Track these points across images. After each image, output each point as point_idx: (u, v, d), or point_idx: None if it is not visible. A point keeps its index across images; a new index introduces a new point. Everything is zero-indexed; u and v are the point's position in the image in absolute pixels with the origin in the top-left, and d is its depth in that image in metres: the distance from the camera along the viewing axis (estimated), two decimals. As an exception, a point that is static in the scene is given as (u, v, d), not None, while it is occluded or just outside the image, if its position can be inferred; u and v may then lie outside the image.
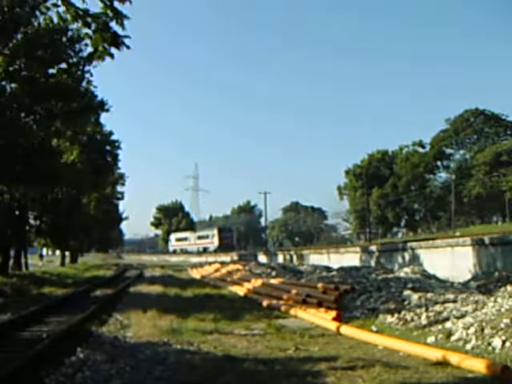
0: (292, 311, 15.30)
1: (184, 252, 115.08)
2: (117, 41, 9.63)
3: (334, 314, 13.42)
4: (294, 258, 53.47)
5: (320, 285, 17.05)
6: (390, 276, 20.37)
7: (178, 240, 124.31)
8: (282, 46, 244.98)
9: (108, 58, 11.68)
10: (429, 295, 14.25)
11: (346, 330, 11.67)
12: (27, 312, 14.97)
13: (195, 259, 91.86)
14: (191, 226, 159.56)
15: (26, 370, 7.92)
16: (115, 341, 11.02)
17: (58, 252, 67.19)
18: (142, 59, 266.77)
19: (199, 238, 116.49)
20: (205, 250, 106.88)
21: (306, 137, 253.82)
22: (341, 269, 27.02)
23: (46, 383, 7.31)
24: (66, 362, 8.71)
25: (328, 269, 29.44)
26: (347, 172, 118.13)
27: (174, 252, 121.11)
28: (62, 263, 59.97)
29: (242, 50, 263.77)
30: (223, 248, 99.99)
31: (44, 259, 71.99)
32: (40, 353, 9.06)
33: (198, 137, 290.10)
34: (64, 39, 22.82)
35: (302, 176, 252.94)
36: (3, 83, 21.79)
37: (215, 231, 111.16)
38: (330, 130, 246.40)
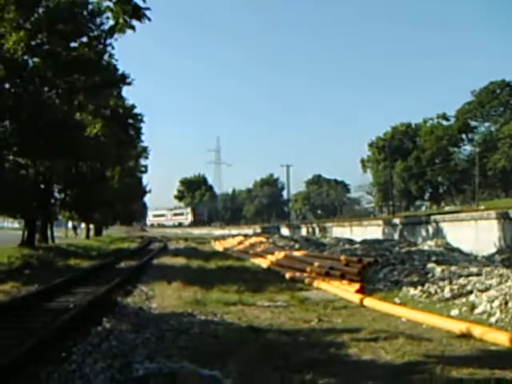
0: (315, 283, 15.34)
1: (161, 226, 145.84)
2: (138, 13, 9.60)
3: (357, 286, 13.43)
4: (317, 230, 53.40)
5: (343, 257, 17.05)
6: (414, 249, 20.30)
7: (156, 216, 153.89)
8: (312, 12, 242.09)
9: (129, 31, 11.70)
10: (452, 268, 14.17)
11: (369, 302, 11.68)
12: (54, 283, 15.20)
13: (218, 232, 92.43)
14: (214, 199, 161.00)
15: (53, 339, 8.05)
16: (140, 311, 11.16)
17: (83, 225, 67.94)
18: (165, 22, 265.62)
19: (175, 214, 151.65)
20: (180, 225, 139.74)
21: (329, 109, 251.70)
22: (364, 242, 27.00)
23: (74, 352, 7.43)
24: (93, 331, 8.84)
25: (351, 242, 29.40)
26: (370, 145, 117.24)
27: (152, 226, 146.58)
28: (87, 236, 60.74)
29: (270, 11, 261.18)
30: (196, 223, 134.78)
31: (70, 232, 72.86)
32: (67, 323, 9.21)
33: (221, 109, 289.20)
34: (85, 13, 22.79)
35: (325, 149, 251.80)
36: (25, 57, 21.86)
37: (189, 210, 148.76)
38: (353, 102, 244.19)
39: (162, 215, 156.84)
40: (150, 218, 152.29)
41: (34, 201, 29.96)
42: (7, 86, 21.09)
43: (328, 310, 11.34)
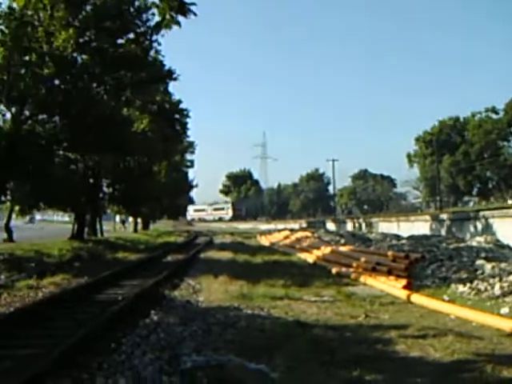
0: (361, 279, 15.23)
1: (201, 220, 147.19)
2: (183, 9, 9.67)
3: (404, 282, 13.25)
4: (363, 225, 53.04)
5: (390, 253, 16.84)
6: (462, 245, 19.96)
7: (196, 211, 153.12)
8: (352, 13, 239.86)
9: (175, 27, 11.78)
10: (503, 265, 13.88)
11: (416, 298, 11.53)
12: (103, 276, 15.49)
13: (264, 226, 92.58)
14: (260, 193, 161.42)
15: (102, 330, 8.20)
16: (187, 305, 11.28)
17: (130, 219, 68.92)
18: (205, 27, 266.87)
19: (215, 209, 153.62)
20: (220, 219, 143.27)
21: (376, 103, 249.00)
22: (411, 237, 26.67)
23: (123, 343, 7.55)
24: (141, 323, 8.98)
25: (397, 237, 29.09)
26: (417, 139, 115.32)
27: (192, 220, 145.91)
28: (135, 229, 61.59)
29: (312, 15, 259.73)
30: (236, 218, 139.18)
31: (118, 225, 74.07)
32: (116, 315, 9.37)
33: (266, 104, 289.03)
34: (131, 9, 23.02)
35: (371, 143, 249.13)
36: (74, 55, 22.22)
37: (230, 205, 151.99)
38: (400, 96, 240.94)
39: (203, 210, 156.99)
40: (191, 213, 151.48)
41: (84, 195, 30.56)
42: (57, 82, 21.48)
43: (375, 305, 11.25)
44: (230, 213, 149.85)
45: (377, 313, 10.34)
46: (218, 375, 6.11)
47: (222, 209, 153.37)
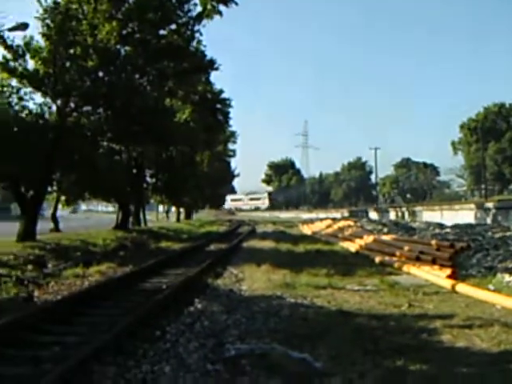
0: (405, 268, 15.11)
1: (238, 210, 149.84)
2: (225, -3, 9.71)
3: (448, 271, 13.06)
4: (406, 214, 52.54)
5: (434, 242, 16.64)
6: (508, 234, 19.59)
7: (233, 200, 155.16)
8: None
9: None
10: (550, 254, 13.59)
11: (461, 288, 11.36)
12: (147, 265, 15.71)
13: (306, 216, 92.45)
14: (302, 182, 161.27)
15: (148, 318, 8.33)
16: (231, 293, 11.37)
17: (173, 208, 69.61)
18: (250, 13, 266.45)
19: (251, 199, 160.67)
20: (256, 209, 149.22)
21: (419, 90, 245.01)
22: (455, 226, 26.33)
23: (167, 331, 7.66)
24: (185, 312, 9.11)
25: (441, 226, 28.74)
26: (462, 126, 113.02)
27: (230, 209, 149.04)
28: (178, 219, 62.21)
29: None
30: (272, 207, 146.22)
31: (161, 215, 74.96)
32: (160, 302, 9.50)
33: (308, 92, 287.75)
34: (173, 0, 23.12)
35: (414, 131, 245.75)
36: (118, 46, 22.42)
37: (266, 194, 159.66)
38: (444, 82, 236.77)
39: (240, 200, 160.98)
40: (228, 203, 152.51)
41: (128, 185, 30.98)
42: (101, 74, 21.73)
43: (419, 295, 11.14)
44: (267, 202, 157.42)
45: (421, 302, 10.24)
46: (262, 363, 6.16)
47: (259, 199, 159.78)
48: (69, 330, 7.82)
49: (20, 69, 20.05)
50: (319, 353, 6.55)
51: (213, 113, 43.54)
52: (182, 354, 6.51)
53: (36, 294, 11.39)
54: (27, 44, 20.07)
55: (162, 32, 23.82)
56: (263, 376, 5.78)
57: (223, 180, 75.59)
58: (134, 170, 33.84)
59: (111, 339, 6.76)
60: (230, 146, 71.73)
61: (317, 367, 6.03)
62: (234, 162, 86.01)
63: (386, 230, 29.38)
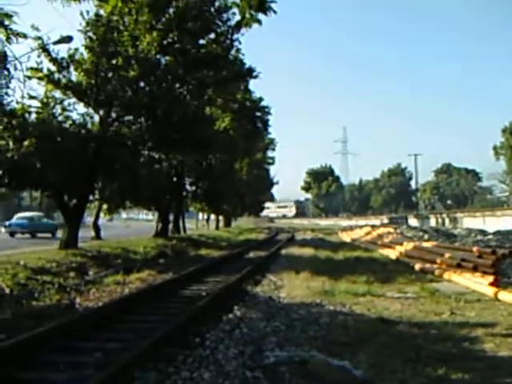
0: (446, 275, 14.92)
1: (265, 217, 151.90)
2: (264, 6, 9.80)
3: (491, 279, 12.81)
4: (447, 221, 51.84)
5: (475, 248, 16.38)
6: (553, 240, 19.16)
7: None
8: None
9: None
10: None
11: (504, 295, 11.16)
12: (187, 272, 15.84)
13: (345, 223, 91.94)
14: (341, 189, 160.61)
15: (188, 325, 8.41)
16: (270, 300, 11.39)
17: (212, 216, 70.00)
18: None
19: (279, 207, 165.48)
20: (284, 216, 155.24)
21: (459, 94, 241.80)
22: (497, 232, 25.86)
23: (207, 338, 7.71)
24: (224, 319, 9.16)
25: (483, 232, 28.26)
26: (504, 130, 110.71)
27: (269, 217, 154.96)
28: (217, 227, 62.51)
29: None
30: (298, 215, 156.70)
31: (200, 223, 75.45)
32: (200, 310, 9.57)
33: (348, 99, 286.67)
34: (212, 9, 23.32)
35: (455, 136, 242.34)
36: (158, 57, 22.72)
37: (293, 203, 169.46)
38: (483, 87, 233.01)
39: (268, 208, 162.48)
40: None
41: (168, 193, 31.30)
42: (142, 84, 22.05)
43: (460, 302, 11.00)
44: (294, 210, 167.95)
45: (462, 310, 10.11)
46: (301, 371, 6.16)
47: (286, 206, 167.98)
48: (110, 337, 7.93)
49: (64, 80, 20.51)
50: (359, 360, 6.53)
51: (252, 121, 43.69)
52: (221, 361, 6.55)
53: (78, 300, 11.60)
54: (71, 56, 20.54)
55: (201, 41, 24.08)
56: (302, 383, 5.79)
57: (262, 187, 75.70)
58: (174, 179, 34.18)
59: (151, 346, 6.84)
60: (269, 153, 71.90)
61: (356, 375, 6.01)
62: (273, 170, 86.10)
63: (426, 236, 29.02)
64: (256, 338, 7.77)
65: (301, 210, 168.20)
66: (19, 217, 43.44)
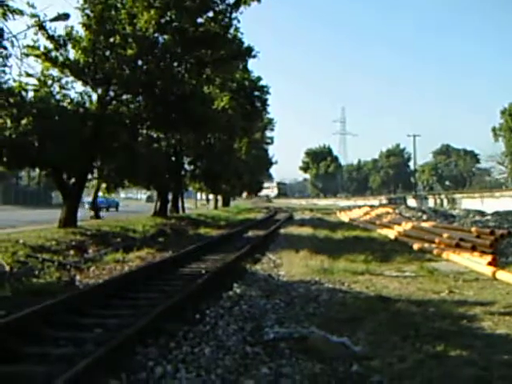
0: (444, 255, 15.00)
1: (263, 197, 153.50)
2: (263, -17, 9.67)
3: (489, 258, 12.87)
4: (445, 202, 51.92)
5: (474, 229, 16.42)
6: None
7: None
8: None
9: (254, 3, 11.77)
10: None
11: (502, 275, 11.23)
12: (186, 250, 15.86)
13: (343, 203, 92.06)
14: (339, 170, 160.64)
15: (188, 302, 8.45)
16: (269, 278, 11.46)
17: (210, 196, 69.99)
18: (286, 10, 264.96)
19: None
20: (267, 197, 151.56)
21: (458, 75, 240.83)
22: (496, 213, 25.88)
23: (207, 314, 7.76)
24: (224, 296, 9.20)
25: (482, 213, 28.27)
26: (503, 112, 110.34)
27: (267, 197, 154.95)
28: (216, 206, 62.55)
29: None
30: (279, 195, 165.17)
31: (199, 203, 75.48)
32: (200, 287, 9.61)
33: (345, 78, 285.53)
34: (211, -13, 23.12)
35: (454, 117, 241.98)
36: (156, 35, 22.55)
37: (275, 184, 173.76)
38: (484, 67, 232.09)
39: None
40: None
41: (166, 172, 31.25)
42: (140, 63, 21.91)
43: (459, 281, 11.06)
44: (276, 191, 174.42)
45: (461, 289, 10.16)
46: (301, 347, 6.21)
47: (268, 187, 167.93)
48: (111, 313, 7.97)
49: (61, 58, 20.35)
50: (358, 337, 6.58)
51: (250, 100, 43.57)
52: (221, 337, 6.60)
53: (78, 278, 11.64)
54: (68, 34, 20.37)
55: (199, 20, 23.86)
56: (302, 359, 5.83)
57: (261, 167, 75.65)
58: (173, 158, 34.08)
59: (152, 322, 6.88)
60: (268, 133, 71.83)
61: (356, 351, 6.05)
62: (271, 150, 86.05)
63: (424, 217, 29.04)
64: (256, 315, 7.82)
65: (283, 191, 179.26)
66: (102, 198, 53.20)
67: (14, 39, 13.97)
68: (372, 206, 48.60)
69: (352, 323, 7.27)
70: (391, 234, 22.65)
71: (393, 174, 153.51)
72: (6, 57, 17.72)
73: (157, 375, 5.25)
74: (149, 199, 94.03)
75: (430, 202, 56.43)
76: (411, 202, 63.11)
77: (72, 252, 15.15)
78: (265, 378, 5.24)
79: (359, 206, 54.37)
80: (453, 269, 12.89)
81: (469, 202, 44.33)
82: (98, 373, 5.14)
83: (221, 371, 5.40)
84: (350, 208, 56.62)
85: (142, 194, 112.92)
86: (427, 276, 11.83)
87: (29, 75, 19.81)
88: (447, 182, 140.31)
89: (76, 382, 4.75)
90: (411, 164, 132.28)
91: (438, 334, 6.68)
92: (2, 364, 5.62)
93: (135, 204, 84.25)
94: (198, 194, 77.02)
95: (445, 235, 17.06)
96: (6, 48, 15.01)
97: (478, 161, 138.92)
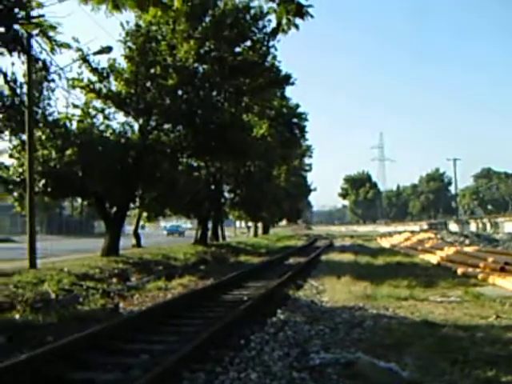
0: (489, 279, 14.67)
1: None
2: (301, 11, 9.78)
3: (536, 282, 12.62)
4: (488, 226, 50.97)
5: (520, 252, 16.11)
6: None
7: None
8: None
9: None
10: None
11: (550, 298, 10.95)
12: (227, 277, 15.88)
13: (383, 229, 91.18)
14: (378, 195, 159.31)
15: (232, 328, 8.45)
16: (312, 304, 11.38)
17: (250, 224, 70.03)
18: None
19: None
20: (306, 224, 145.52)
21: (498, 95, 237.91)
22: (541, 236, 25.36)
23: (252, 340, 7.74)
24: (268, 322, 9.18)
25: (526, 237, 27.73)
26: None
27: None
28: (255, 234, 62.54)
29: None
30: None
31: (238, 231, 75.72)
32: (244, 313, 9.61)
33: (383, 105, 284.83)
34: (248, 17, 23.48)
35: (495, 140, 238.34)
36: (195, 65, 22.96)
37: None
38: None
39: None
40: None
41: (206, 201, 31.47)
42: (180, 92, 22.31)
43: (506, 306, 10.80)
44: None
45: (508, 313, 9.91)
46: (348, 372, 6.14)
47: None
48: (155, 339, 8.02)
49: (104, 90, 20.90)
50: (405, 362, 6.46)
51: (289, 127, 43.76)
52: (268, 362, 6.56)
53: (121, 305, 11.75)
54: (111, 66, 20.92)
55: (237, 49, 24.24)
56: (350, 384, 5.77)
57: (300, 194, 75.53)
58: (213, 186, 34.32)
59: (198, 347, 6.89)
60: (306, 160, 71.77)
61: (404, 376, 5.95)
62: (310, 177, 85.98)
63: (467, 241, 28.62)
64: (300, 341, 7.76)
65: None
66: (171, 225, 76.88)
67: (61, 72, 14.38)
68: (413, 232, 48.06)
69: (398, 348, 7.15)
70: (434, 259, 22.33)
71: (433, 198, 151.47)
72: (52, 90, 18.31)
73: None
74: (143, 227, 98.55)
75: (472, 227, 55.46)
76: (453, 226, 62.11)
77: (115, 280, 15.32)
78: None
79: (399, 232, 53.84)
80: (499, 293, 12.59)
81: (512, 226, 43.49)
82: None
83: (268, 396, 5.37)
84: (390, 234, 56.11)
85: (183, 223, 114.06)
86: (473, 301, 11.58)
87: (75, 106, 20.40)
88: (489, 206, 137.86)
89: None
90: (451, 188, 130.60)
91: (487, 359, 6.51)
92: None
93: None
94: (238, 222, 77.25)
95: (489, 259, 16.77)
96: (53, 81, 15.49)
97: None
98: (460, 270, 17.32)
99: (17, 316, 9.50)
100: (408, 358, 6.65)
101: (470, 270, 16.93)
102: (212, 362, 6.55)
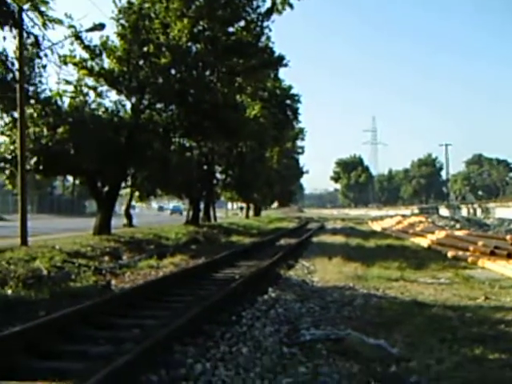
0: (479, 262, 14.83)
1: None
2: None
3: (525, 266, 12.75)
4: (478, 211, 51.24)
5: (509, 237, 16.26)
6: None
7: None
8: None
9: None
10: None
11: (540, 281, 11.08)
12: (219, 256, 15.97)
13: (375, 213, 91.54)
14: (370, 179, 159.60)
15: (224, 304, 8.52)
16: (303, 284, 11.46)
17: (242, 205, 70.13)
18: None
19: None
20: (298, 207, 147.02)
21: (490, 82, 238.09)
22: (531, 221, 25.57)
23: (243, 316, 7.81)
24: (259, 299, 9.24)
25: (516, 222, 27.94)
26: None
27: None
28: (247, 216, 62.62)
29: None
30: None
31: (230, 212, 75.85)
32: (235, 290, 9.67)
33: (377, 89, 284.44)
34: (242, -3, 23.34)
35: (487, 126, 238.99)
36: (189, 44, 22.81)
37: None
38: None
39: None
40: None
41: (198, 181, 31.43)
42: (173, 71, 22.19)
43: (495, 288, 10.91)
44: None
45: (497, 295, 10.02)
46: (338, 348, 6.20)
47: None
48: (147, 314, 8.09)
49: (97, 68, 20.74)
50: (395, 339, 6.53)
51: (282, 109, 43.69)
52: (258, 337, 6.62)
53: (113, 282, 11.79)
54: (103, 44, 20.75)
55: (231, 29, 24.10)
56: (340, 359, 5.82)
57: (292, 177, 75.57)
58: (205, 167, 34.26)
59: (189, 322, 6.94)
60: (299, 142, 71.76)
61: (393, 352, 6.02)
62: (302, 159, 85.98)
63: (458, 225, 28.81)
64: (291, 318, 7.83)
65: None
66: (174, 205, 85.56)
67: (52, 47, 14.30)
68: (404, 216, 48.26)
69: (388, 326, 7.22)
70: (424, 242, 22.48)
71: (424, 183, 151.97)
72: (44, 67, 18.15)
73: (196, 372, 5.28)
74: (160, 209, 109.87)
75: (463, 212, 55.71)
76: (444, 211, 62.34)
77: (107, 258, 15.34)
78: (303, 377, 5.25)
79: (391, 216, 54.05)
80: (488, 276, 12.73)
81: (503, 211, 43.62)
82: (138, 369, 5.19)
83: (259, 370, 5.42)
84: (381, 218, 56.35)
85: (155, 204, 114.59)
86: (462, 283, 11.69)
87: (68, 82, 20.25)
88: (480, 192, 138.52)
89: (117, 376, 4.81)
90: (443, 174, 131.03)
91: (475, 337, 6.59)
92: (43, 360, 5.75)
93: (167, 213, 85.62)
94: (229, 204, 77.32)
95: (479, 243, 16.91)
96: (46, 56, 15.38)
97: (511, 170, 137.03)
98: (450, 253, 17.46)
99: (9, 291, 9.51)
100: (397, 336, 6.72)
101: (461, 253, 17.09)
102: (203, 336, 6.60)
